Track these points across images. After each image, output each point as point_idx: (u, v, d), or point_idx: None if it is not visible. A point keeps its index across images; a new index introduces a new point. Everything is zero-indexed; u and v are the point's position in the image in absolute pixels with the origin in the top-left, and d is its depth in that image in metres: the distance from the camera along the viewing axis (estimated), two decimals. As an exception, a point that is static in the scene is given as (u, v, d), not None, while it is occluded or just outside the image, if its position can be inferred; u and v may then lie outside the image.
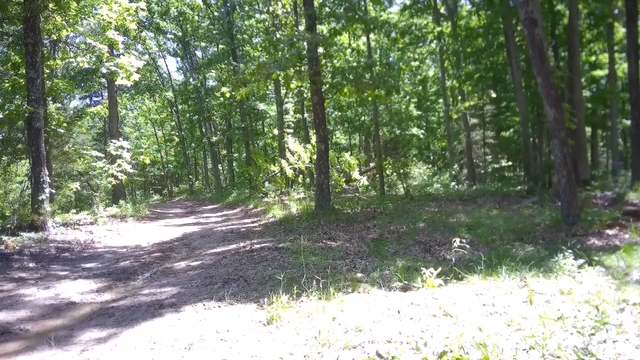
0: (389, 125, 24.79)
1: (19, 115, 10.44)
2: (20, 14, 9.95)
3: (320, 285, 4.05)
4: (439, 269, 4.32)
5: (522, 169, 22.28)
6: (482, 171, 23.75)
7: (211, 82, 31.09)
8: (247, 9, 24.23)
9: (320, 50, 11.02)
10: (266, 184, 18.37)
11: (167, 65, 64.12)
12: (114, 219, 12.69)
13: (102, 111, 20.70)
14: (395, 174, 18.70)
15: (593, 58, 23.95)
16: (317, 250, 6.77)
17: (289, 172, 16.12)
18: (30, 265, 6.95)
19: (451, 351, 2.62)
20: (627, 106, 21.42)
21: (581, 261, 4.16)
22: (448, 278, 4.42)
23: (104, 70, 11.27)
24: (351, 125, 29.40)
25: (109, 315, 4.13)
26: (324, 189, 11.28)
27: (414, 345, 2.79)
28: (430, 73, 27.44)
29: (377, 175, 19.02)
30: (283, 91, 22.50)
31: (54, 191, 11.89)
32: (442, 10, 22.56)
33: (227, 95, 12.82)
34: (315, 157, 12.38)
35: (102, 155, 13.94)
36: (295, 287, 4.13)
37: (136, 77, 11.57)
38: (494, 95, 21.07)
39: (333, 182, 15.35)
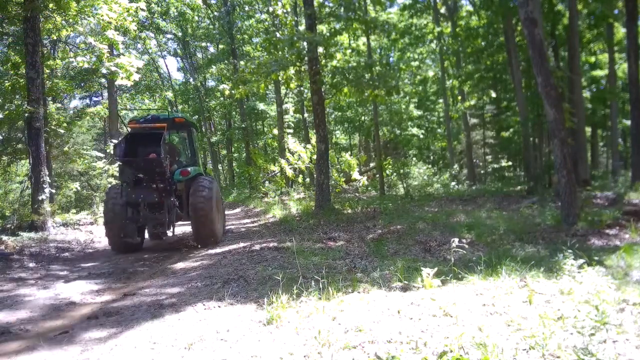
0: (389, 125, 24.80)
1: (19, 115, 10.44)
2: (20, 14, 9.96)
3: (320, 285, 4.04)
4: (439, 269, 4.32)
5: (522, 169, 22.29)
6: (482, 171, 23.77)
7: (211, 82, 31.07)
8: (247, 9, 24.24)
9: (320, 50, 11.02)
10: (266, 184, 18.38)
11: (167, 65, 64.28)
12: (114, 219, 12.65)
13: (102, 111, 20.67)
14: (395, 174, 18.69)
15: (593, 58, 23.94)
16: (317, 250, 6.76)
17: (289, 172, 16.12)
18: (30, 265, 6.96)
19: (451, 351, 2.62)
20: (627, 106, 21.40)
21: (581, 261, 4.15)
22: (448, 278, 4.42)
23: (104, 70, 11.27)
24: (351, 125, 29.38)
25: (109, 315, 4.13)
26: (324, 189, 11.28)
27: (414, 346, 2.79)
28: (430, 73, 27.42)
29: (377, 175, 19.01)
30: (283, 91, 22.50)
31: (54, 191, 11.89)
32: (442, 10, 22.56)
33: (227, 93, 12.82)
34: (315, 157, 12.38)
35: (102, 155, 13.93)
36: (295, 287, 4.12)
37: (136, 77, 11.58)
38: (494, 95, 21.07)
39: (333, 182, 15.34)
